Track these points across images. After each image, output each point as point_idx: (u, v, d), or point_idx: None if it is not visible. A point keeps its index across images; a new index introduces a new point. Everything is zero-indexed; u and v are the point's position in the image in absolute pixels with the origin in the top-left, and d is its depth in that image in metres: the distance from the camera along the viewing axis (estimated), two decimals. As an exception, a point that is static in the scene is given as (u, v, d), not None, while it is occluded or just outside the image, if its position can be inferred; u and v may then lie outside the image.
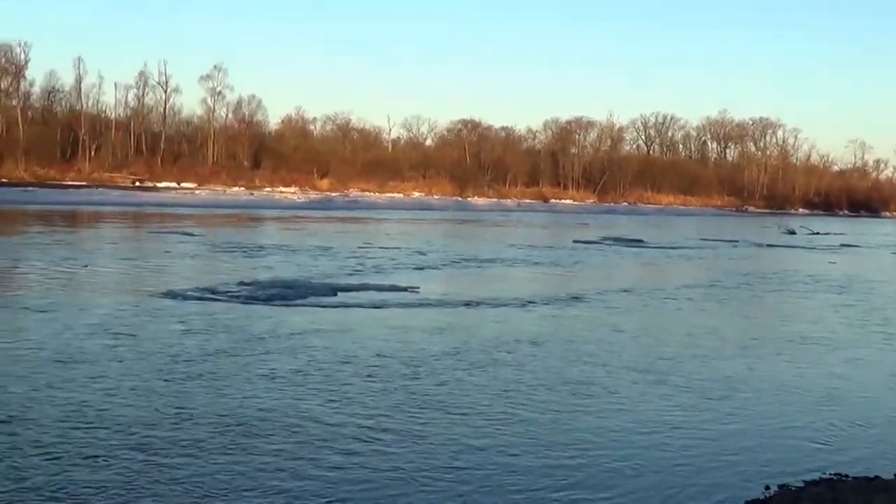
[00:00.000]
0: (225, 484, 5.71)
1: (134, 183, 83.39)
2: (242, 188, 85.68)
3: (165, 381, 8.11)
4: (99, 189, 66.05)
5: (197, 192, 74.41)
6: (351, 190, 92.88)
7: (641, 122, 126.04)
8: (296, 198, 73.47)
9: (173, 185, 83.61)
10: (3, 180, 75.00)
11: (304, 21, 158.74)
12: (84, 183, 77.58)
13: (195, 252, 21.68)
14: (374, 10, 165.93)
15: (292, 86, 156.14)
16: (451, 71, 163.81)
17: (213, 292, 13.71)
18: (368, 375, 8.81)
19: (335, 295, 14.40)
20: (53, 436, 6.35)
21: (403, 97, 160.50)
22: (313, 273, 17.41)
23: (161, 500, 5.38)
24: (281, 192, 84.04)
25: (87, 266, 17.44)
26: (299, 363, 9.16)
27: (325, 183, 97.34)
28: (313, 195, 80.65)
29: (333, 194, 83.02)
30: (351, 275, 17.62)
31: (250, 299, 13.25)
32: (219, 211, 48.90)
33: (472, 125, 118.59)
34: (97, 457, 5.98)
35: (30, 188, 60.61)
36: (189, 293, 13.46)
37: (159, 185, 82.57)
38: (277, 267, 18.52)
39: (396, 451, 6.50)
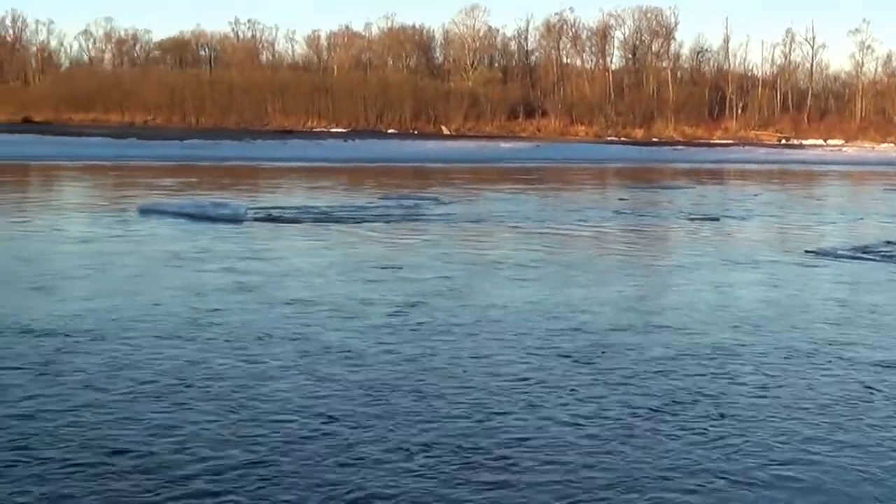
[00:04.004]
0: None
1: (780, 140, 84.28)
2: (892, 144, 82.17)
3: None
4: (745, 147, 67.87)
5: (844, 148, 72.88)
6: None
7: None
8: (950, 154, 68.57)
9: (819, 142, 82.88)
10: (654, 139, 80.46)
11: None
12: (731, 141, 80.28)
13: (839, 212, 22.05)
14: None
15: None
16: None
17: (865, 251, 14.19)
18: None
19: None
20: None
21: None
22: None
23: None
24: (934, 147, 79.16)
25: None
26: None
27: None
28: (971, 151, 74.73)
29: None
30: None
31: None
32: (865, 168, 47.58)
33: None
34: (766, 386, 7.00)
35: (679, 146, 64.36)
36: (839, 251, 14.08)
37: (805, 142, 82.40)
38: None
39: None
